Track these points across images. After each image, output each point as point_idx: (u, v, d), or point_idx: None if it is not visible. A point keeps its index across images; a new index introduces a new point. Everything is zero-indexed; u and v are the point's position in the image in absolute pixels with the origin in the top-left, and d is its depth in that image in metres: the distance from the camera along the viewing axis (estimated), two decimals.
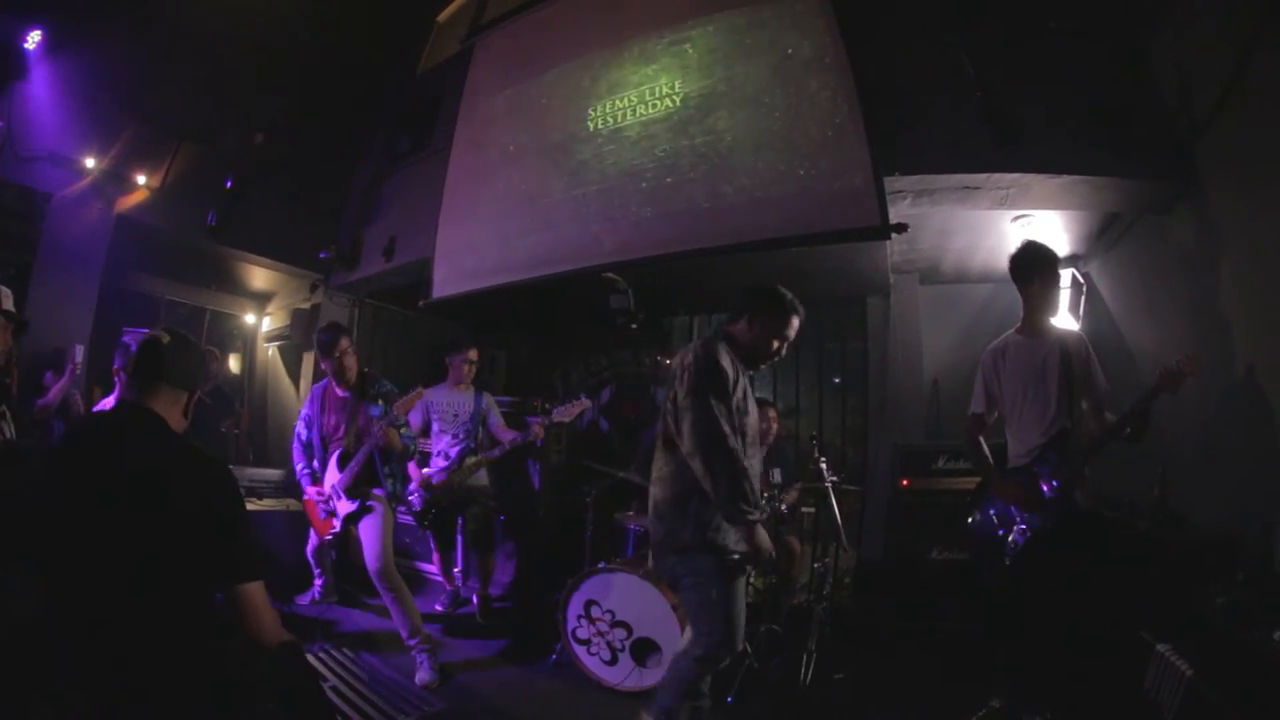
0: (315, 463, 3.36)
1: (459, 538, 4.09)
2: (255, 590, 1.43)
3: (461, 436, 3.90)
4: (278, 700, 1.51)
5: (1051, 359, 2.46)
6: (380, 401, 3.26)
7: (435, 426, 3.95)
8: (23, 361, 3.61)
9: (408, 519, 4.18)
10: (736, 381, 2.08)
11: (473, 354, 4.02)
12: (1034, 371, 2.49)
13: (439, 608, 3.96)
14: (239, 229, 5.01)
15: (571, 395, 4.64)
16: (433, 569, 4.30)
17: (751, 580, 3.17)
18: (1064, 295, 3.88)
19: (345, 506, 3.16)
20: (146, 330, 1.69)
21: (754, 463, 2.12)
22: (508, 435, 3.86)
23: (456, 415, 3.94)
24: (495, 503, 4.02)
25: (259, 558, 1.50)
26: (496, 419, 4.05)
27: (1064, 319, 3.37)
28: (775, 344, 2.20)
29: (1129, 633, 2.22)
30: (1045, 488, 2.38)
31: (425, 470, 3.89)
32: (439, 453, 3.93)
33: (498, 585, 4.09)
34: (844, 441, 5.05)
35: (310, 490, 3.33)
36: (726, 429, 1.97)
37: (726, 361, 2.07)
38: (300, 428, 3.44)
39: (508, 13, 4.76)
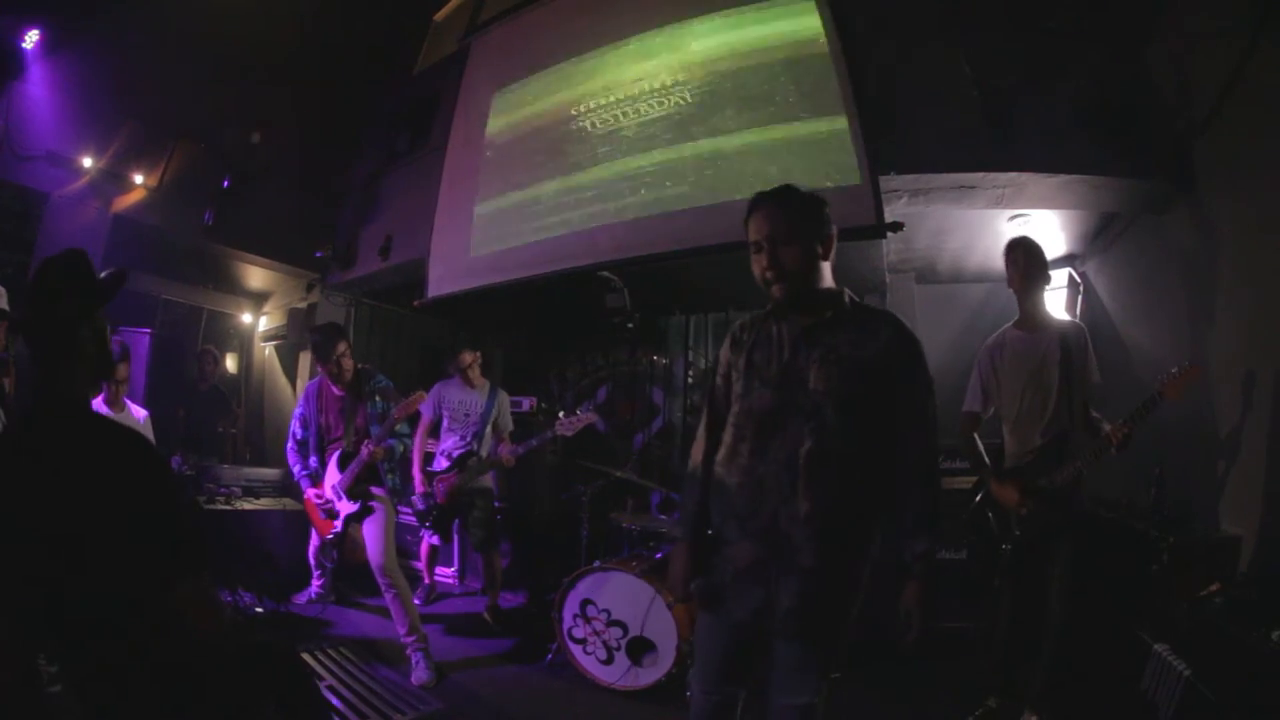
0: (313, 460, 3.33)
1: (455, 538, 4.07)
2: (198, 585, 1.31)
3: (469, 438, 3.83)
4: (273, 698, 1.49)
5: (1051, 356, 2.43)
6: (377, 398, 3.24)
7: (445, 423, 3.91)
8: (20, 361, 3.60)
9: (409, 520, 4.16)
10: (746, 346, 1.71)
11: (465, 357, 3.91)
12: (1033, 369, 2.46)
13: (417, 601, 3.92)
14: (236, 228, 5.01)
15: (568, 392, 4.62)
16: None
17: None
18: (1059, 295, 3.90)
19: (347, 507, 3.15)
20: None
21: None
22: (499, 450, 3.79)
23: (468, 415, 3.88)
24: (499, 503, 3.98)
25: (199, 546, 1.36)
26: (502, 426, 3.96)
27: (1061, 317, 3.35)
28: (753, 257, 1.69)
29: (1127, 633, 2.21)
30: (1042, 489, 2.37)
31: (430, 468, 3.86)
32: (443, 452, 3.88)
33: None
34: None
35: (310, 492, 3.32)
36: (696, 441, 1.75)
37: (727, 343, 1.78)
38: (295, 427, 3.41)
39: (505, 11, 4.75)
